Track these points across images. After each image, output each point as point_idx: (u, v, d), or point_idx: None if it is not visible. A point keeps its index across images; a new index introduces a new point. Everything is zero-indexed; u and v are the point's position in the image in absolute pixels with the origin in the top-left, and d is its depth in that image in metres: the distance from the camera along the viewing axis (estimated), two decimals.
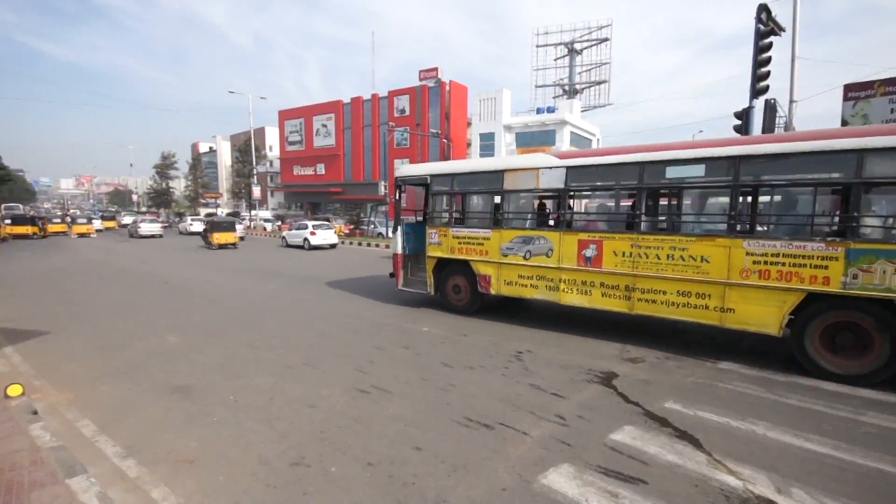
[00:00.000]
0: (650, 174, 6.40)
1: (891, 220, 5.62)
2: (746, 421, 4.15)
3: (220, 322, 8.01)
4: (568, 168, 7.07)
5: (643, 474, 3.30)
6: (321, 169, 46.20)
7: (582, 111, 40.24)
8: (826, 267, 5.09)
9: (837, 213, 5.94)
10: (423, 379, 5.28)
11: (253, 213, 43.07)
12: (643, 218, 6.64)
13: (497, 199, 8.16)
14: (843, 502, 2.96)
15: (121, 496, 3.04)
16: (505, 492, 3.11)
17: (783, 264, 5.35)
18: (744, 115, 10.94)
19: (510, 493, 3.09)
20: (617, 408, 4.49)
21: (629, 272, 6.46)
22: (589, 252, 6.82)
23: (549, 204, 8.91)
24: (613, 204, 8.64)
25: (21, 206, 56.49)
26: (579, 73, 44.90)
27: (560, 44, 44.13)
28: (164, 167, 61.27)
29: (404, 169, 9.49)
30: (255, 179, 45.06)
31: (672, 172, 6.31)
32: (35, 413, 4.18)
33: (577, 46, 43.91)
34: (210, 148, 73.71)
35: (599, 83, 44.35)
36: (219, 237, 23.87)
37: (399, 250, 9.37)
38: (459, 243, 8.36)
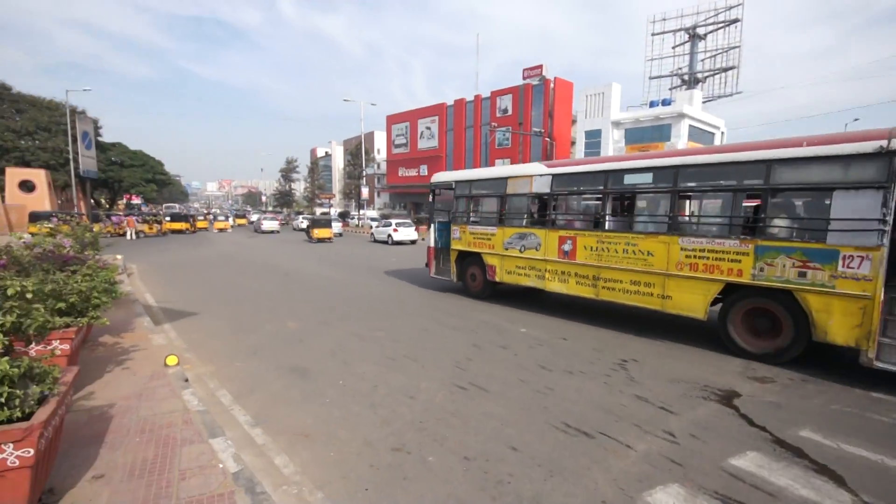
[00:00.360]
0: (613, 181, 7.51)
1: (790, 222, 6.13)
2: None
3: (330, 312, 8.70)
4: (553, 175, 8.31)
5: None
6: (424, 170, 47.90)
7: (704, 102, 36.61)
8: (740, 261, 6.00)
9: (750, 214, 6.52)
10: (521, 380, 5.23)
11: (361, 212, 46.08)
12: (607, 218, 7.70)
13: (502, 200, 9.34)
14: None
15: (250, 459, 3.45)
16: None
17: (707, 258, 6.31)
18: None
19: None
20: (738, 430, 4.03)
21: (596, 264, 7.62)
22: (567, 247, 8.05)
23: (537, 205, 9.45)
24: (593, 205, 9.36)
25: (177, 205, 66.94)
26: (701, 61, 40.83)
27: (680, 29, 40.54)
28: (288, 171, 68.31)
29: (437, 176, 11.08)
30: (363, 181, 48.15)
31: (628, 179, 7.35)
32: (186, 381, 4.91)
33: (701, 31, 39.95)
34: (326, 152, 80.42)
35: (725, 70, 39.91)
36: (318, 232, 27.68)
37: (432, 244, 11.09)
38: (474, 238, 9.87)
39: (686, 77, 40.91)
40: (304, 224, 36.69)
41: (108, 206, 51.99)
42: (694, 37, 40.19)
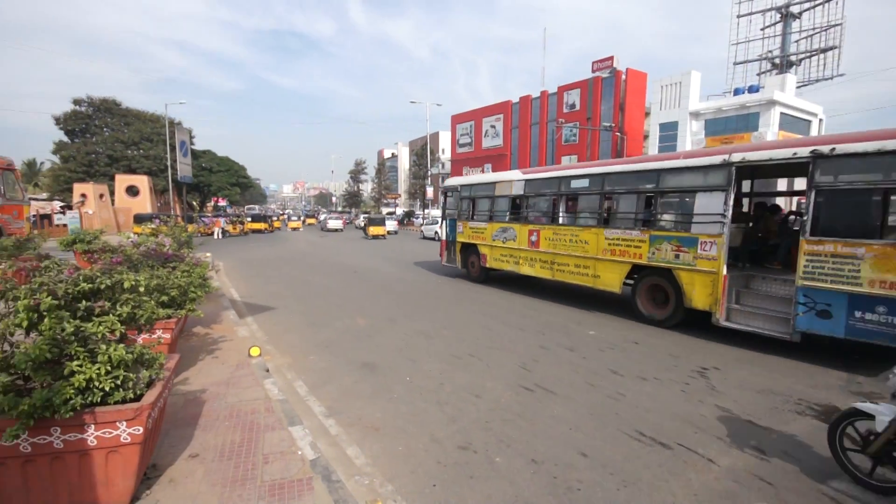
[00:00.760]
0: (563, 185, 9.45)
1: (671, 216, 7.84)
2: None
3: (395, 308, 8.94)
4: (525, 180, 10.35)
5: None
6: (488, 169, 47.72)
7: (798, 87, 33.18)
8: (640, 247, 7.69)
9: (647, 211, 7.91)
10: (590, 384, 5.06)
11: (426, 211, 46.85)
12: (560, 214, 9.82)
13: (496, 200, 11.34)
14: None
15: (325, 448, 3.63)
16: None
17: (621, 245, 8.03)
18: None
19: None
20: None
21: (552, 251, 9.48)
22: (533, 238, 9.96)
23: (514, 205, 11.04)
24: (552, 204, 10.59)
25: (257, 207, 71.92)
26: (795, 42, 36.95)
27: (770, 9, 36.95)
28: (356, 172, 71.04)
29: (447, 181, 13.68)
30: (429, 181, 48.91)
31: (574, 184, 9.24)
32: (267, 371, 5.27)
33: (795, 9, 36.23)
34: (392, 153, 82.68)
35: (824, 51, 35.81)
36: (372, 230, 30.72)
37: (444, 237, 13.42)
38: (473, 232, 12.00)
39: (777, 61, 37.22)
40: (363, 222, 39.23)
41: (198, 208, 56.98)
42: (787, 16, 36.45)
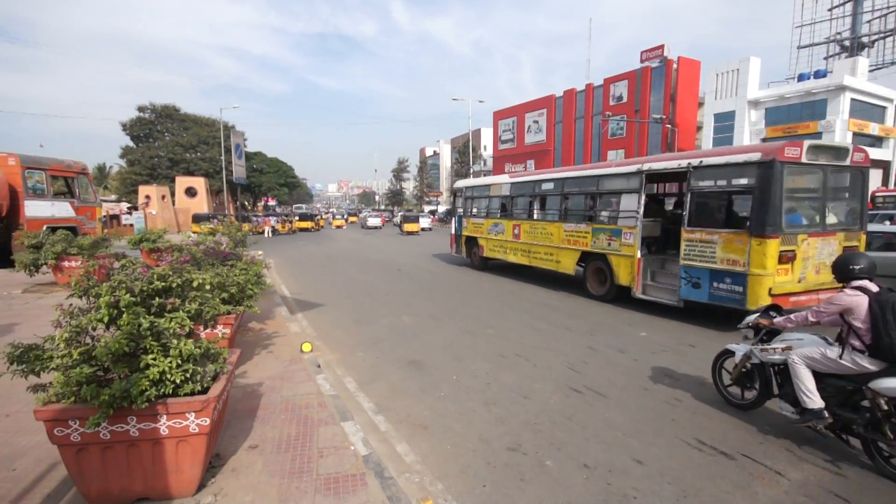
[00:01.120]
0: (536, 188, 11.49)
1: (606, 213, 9.59)
2: None
3: (439, 307, 9.00)
4: (511, 183, 12.50)
5: None
6: (531, 165, 46.96)
7: (870, 71, 30.61)
8: (586, 237, 9.57)
9: (591, 209, 9.84)
10: (643, 388, 4.89)
11: None
12: (535, 212, 11.75)
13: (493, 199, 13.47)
14: None
15: (376, 444, 3.70)
16: None
17: (574, 236, 9.94)
18: None
19: None
20: None
21: (529, 241, 11.39)
22: (516, 231, 11.91)
23: (503, 203, 13.04)
24: (529, 203, 12.41)
25: (304, 206, 74.37)
26: (867, 22, 34.15)
27: None
28: (399, 171, 71.85)
29: (456, 184, 16.29)
30: (471, 178, 48.82)
31: (543, 186, 11.19)
32: (318, 367, 5.44)
33: None
34: (434, 151, 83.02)
35: None
36: (407, 227, 32.94)
37: (453, 232, 15.55)
38: (474, 227, 14.07)
39: (847, 43, 34.49)
40: (399, 220, 40.57)
41: (250, 208, 59.60)
42: None
